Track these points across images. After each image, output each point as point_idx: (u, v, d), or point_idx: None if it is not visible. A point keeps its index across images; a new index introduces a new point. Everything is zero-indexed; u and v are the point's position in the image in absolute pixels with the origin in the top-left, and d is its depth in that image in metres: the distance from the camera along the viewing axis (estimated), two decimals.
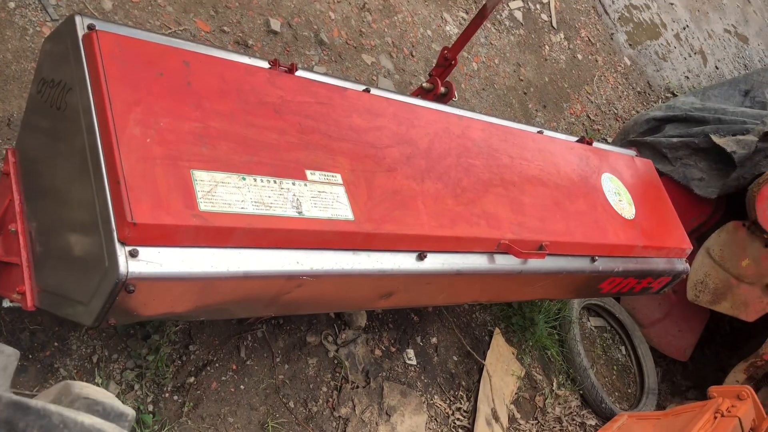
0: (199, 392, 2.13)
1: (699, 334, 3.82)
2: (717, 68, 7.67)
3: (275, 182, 1.52)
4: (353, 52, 3.42)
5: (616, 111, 5.54)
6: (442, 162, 1.99)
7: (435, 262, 1.83)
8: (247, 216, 1.43)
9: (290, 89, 1.71)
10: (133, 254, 1.27)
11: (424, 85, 2.37)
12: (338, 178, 1.66)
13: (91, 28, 1.45)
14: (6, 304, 1.72)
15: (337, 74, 2.16)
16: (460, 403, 2.89)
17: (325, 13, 3.37)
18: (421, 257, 1.79)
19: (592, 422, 3.34)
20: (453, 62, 2.68)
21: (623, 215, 2.60)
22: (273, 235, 1.48)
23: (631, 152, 3.13)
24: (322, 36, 3.27)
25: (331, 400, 2.45)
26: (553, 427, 3.20)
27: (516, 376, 3.18)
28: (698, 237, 3.64)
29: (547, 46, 5.21)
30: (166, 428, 2.00)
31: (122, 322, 1.52)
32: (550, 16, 5.41)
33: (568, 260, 2.29)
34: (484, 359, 3.05)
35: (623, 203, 2.66)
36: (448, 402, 2.84)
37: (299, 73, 1.79)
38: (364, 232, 1.64)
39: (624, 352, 3.95)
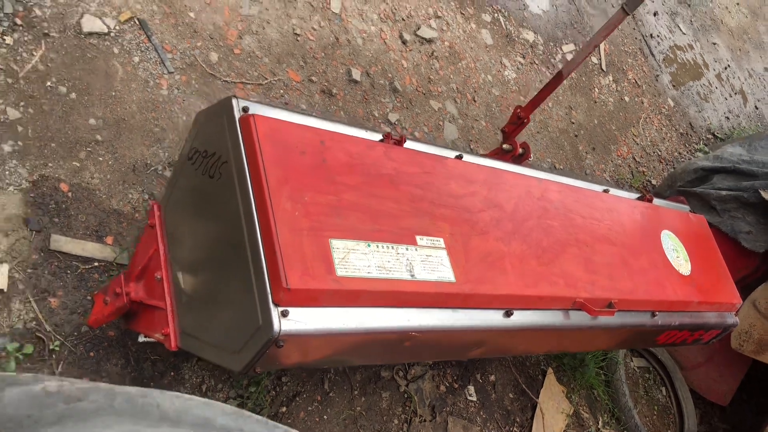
0: (290, 421, 2.34)
1: (740, 380, 3.96)
2: (757, 108, 7.79)
3: (392, 248, 1.73)
4: (422, 99, 3.63)
5: (660, 153, 5.69)
6: (525, 224, 2.18)
7: (519, 318, 2.02)
8: (371, 280, 1.63)
9: (401, 161, 1.92)
10: (285, 314, 1.48)
11: (504, 146, 2.57)
12: (441, 242, 1.87)
13: (245, 110, 1.67)
14: (141, 339, 1.94)
15: (432, 142, 2.37)
16: None
17: (399, 61, 3.60)
18: (508, 314, 1.99)
19: None
20: (525, 121, 2.88)
21: (680, 271, 2.78)
22: (391, 296, 1.68)
23: (685, 207, 3.30)
24: (396, 84, 3.49)
25: (401, 431, 2.65)
26: None
27: (565, 413, 3.35)
28: (744, 287, 3.78)
29: (596, 89, 5.39)
30: None
31: (265, 370, 1.73)
32: (600, 59, 5.60)
33: (632, 316, 2.47)
34: (538, 397, 3.22)
35: (680, 260, 2.83)
36: None
37: (407, 144, 2.00)
38: (464, 293, 1.84)
39: (665, 393, 4.10)
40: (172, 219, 1.88)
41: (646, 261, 2.62)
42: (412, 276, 1.73)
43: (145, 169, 2.36)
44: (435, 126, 3.63)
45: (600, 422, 3.52)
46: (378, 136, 1.96)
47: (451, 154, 2.18)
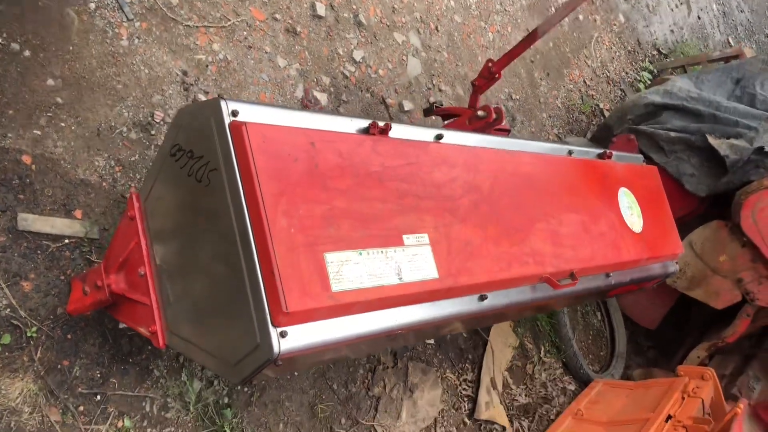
0: (263, 382, 2.41)
1: (668, 308, 4.26)
2: (699, 18, 7.89)
3: (382, 252, 1.75)
4: (386, 32, 3.52)
5: (608, 74, 5.75)
6: (499, 203, 2.23)
7: (492, 300, 2.11)
8: (363, 290, 1.66)
9: (388, 154, 1.90)
10: (283, 335, 1.50)
11: (479, 113, 2.56)
12: (426, 238, 1.89)
13: (234, 114, 1.60)
14: (122, 325, 1.94)
15: (414, 123, 2.33)
16: (467, 375, 3.26)
17: None
18: (482, 299, 2.07)
19: (572, 387, 3.79)
20: (497, 76, 2.86)
21: (633, 229, 2.91)
22: (381, 301, 1.72)
23: (639, 158, 3.40)
24: (360, 16, 3.35)
25: (366, 381, 2.78)
26: (539, 391, 3.63)
27: (512, 347, 3.57)
28: (681, 226, 4.00)
29: (553, 8, 5.31)
30: (238, 417, 2.29)
31: (260, 380, 1.76)
32: None
33: (590, 280, 2.60)
34: (488, 335, 3.41)
35: (634, 216, 2.96)
36: (456, 374, 3.21)
37: (391, 132, 1.97)
38: (445, 287, 1.90)
39: (599, 318, 4.39)
40: (154, 214, 1.82)
41: (604, 224, 2.73)
42: (400, 279, 1.77)
43: (110, 132, 2.25)
44: (399, 61, 3.54)
45: (542, 351, 3.76)
46: (364, 123, 1.92)
47: (431, 134, 2.16)
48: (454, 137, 2.22)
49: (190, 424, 2.18)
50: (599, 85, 5.56)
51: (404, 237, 1.83)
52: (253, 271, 1.51)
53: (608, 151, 3.03)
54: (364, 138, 1.87)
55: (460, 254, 1.98)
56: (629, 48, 6.33)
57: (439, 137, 2.16)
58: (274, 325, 1.50)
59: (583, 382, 3.86)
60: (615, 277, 2.75)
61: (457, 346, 3.27)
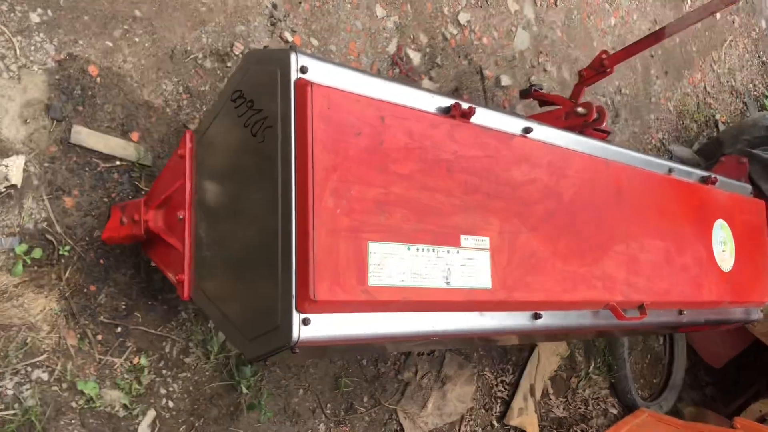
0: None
1: (739, 351, 3.94)
2: None
3: (433, 251, 1.58)
4: None
5: (733, 84, 5.28)
6: (579, 216, 2.00)
7: (547, 321, 1.91)
8: (404, 289, 1.50)
9: (464, 143, 1.70)
10: (306, 322, 1.37)
11: (579, 110, 2.30)
12: (486, 242, 1.71)
13: (304, 70, 1.44)
14: (153, 264, 1.85)
15: (502, 110, 2.11)
16: (506, 377, 3.09)
17: None
18: (536, 317, 1.87)
19: (615, 411, 3.57)
20: (609, 70, 2.58)
21: (722, 267, 2.63)
22: (420, 304, 1.56)
23: (747, 188, 3.07)
24: None
25: (398, 363, 2.65)
26: (579, 407, 3.43)
27: (560, 356, 3.36)
28: None
29: (689, 1, 4.87)
30: (258, 375, 2.20)
31: (276, 363, 1.65)
32: None
33: (659, 315, 2.36)
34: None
35: (726, 254, 2.67)
36: (495, 374, 3.05)
37: (475, 117, 1.76)
38: (496, 300, 1.71)
39: (661, 342, 4.11)
40: (204, 158, 1.70)
41: (690, 257, 2.46)
42: (447, 283, 1.60)
43: (184, 57, 2.13)
44: (506, 31, 3.28)
45: (591, 366, 3.54)
46: (447, 102, 1.72)
47: (519, 125, 1.94)
48: (544, 133, 1.99)
49: (207, 373, 2.10)
50: (721, 94, 5.11)
51: (462, 237, 1.65)
52: (288, 249, 1.37)
53: (713, 176, 2.72)
54: (442, 120, 1.67)
55: (522, 266, 1.79)
56: (765, 58, 5.79)
57: (527, 130, 1.94)
58: (298, 310, 1.36)
59: (628, 408, 3.63)
60: (688, 316, 2.49)
61: (503, 345, 3.09)
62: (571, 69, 3.62)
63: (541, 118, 2.47)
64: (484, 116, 1.82)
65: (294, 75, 1.43)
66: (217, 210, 1.63)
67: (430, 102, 1.71)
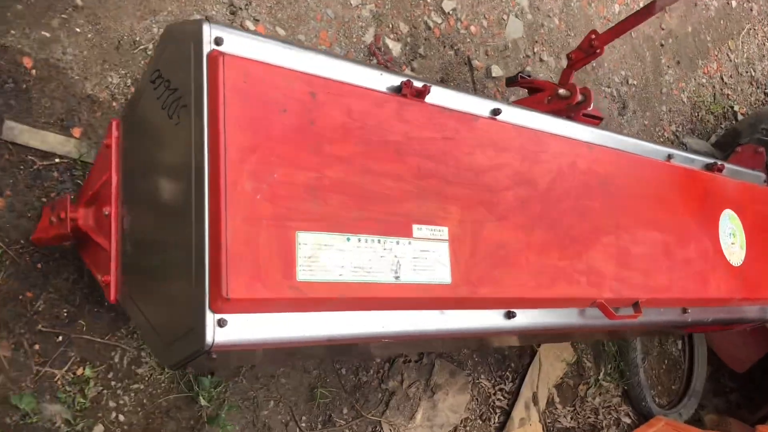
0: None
1: (762, 354, 3.68)
2: None
3: (379, 242, 1.41)
4: None
5: (753, 73, 5.01)
6: (558, 206, 1.82)
7: (523, 320, 1.73)
8: (342, 284, 1.34)
9: (417, 123, 1.54)
10: (221, 324, 1.21)
11: (561, 91, 2.12)
12: (444, 232, 1.53)
13: (218, 42, 1.29)
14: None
15: (465, 90, 1.94)
16: (504, 384, 2.89)
17: None
18: (509, 316, 1.69)
19: (628, 420, 3.34)
20: (599, 51, 2.40)
21: (731, 261, 2.41)
22: (365, 302, 1.39)
23: (761, 176, 2.84)
24: None
25: (381, 372, 2.47)
26: (588, 417, 3.21)
27: (566, 362, 3.15)
28: None
29: None
30: (221, 387, 2.05)
31: (199, 372, 1.50)
32: None
33: (659, 313, 2.16)
34: (539, 345, 3.01)
35: (735, 246, 2.45)
36: (493, 382, 2.85)
37: (431, 95, 1.60)
38: (457, 297, 1.54)
39: (680, 347, 3.86)
40: (129, 148, 1.56)
41: (694, 249, 2.26)
42: (397, 278, 1.43)
43: (132, 48, 2.00)
44: (497, 20, 3.11)
45: (602, 373, 3.32)
46: (397, 80, 1.56)
47: (487, 107, 1.77)
48: (515, 115, 1.82)
49: (163, 385, 1.96)
50: (739, 85, 4.85)
51: (415, 227, 1.48)
52: (201, 241, 1.22)
53: (719, 162, 2.51)
54: (389, 98, 1.51)
55: (488, 259, 1.61)
56: None
57: (496, 112, 1.77)
58: (212, 310, 1.20)
59: (643, 416, 3.39)
60: (694, 314, 2.28)
61: (500, 351, 2.90)
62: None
63: (522, 104, 2.30)
64: (443, 96, 1.66)
65: (207, 47, 1.28)
66: (141, 204, 1.49)
67: (379, 80, 1.55)
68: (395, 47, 2.66)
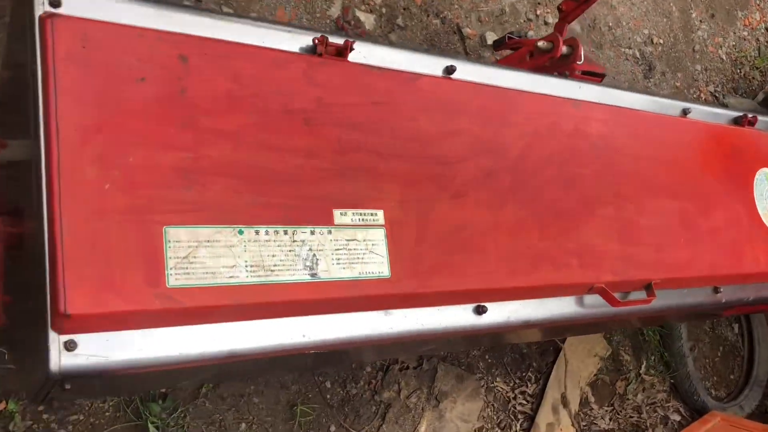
0: None
1: None
2: None
3: (285, 233, 1.15)
4: None
5: None
6: (537, 176, 1.52)
7: (498, 315, 1.44)
8: (235, 288, 1.08)
9: (334, 86, 1.27)
10: (70, 347, 0.97)
11: (540, 44, 1.81)
12: (379, 216, 1.26)
13: (55, 4, 1.05)
14: None
15: (406, 46, 1.67)
16: (526, 386, 2.57)
17: None
18: (479, 311, 1.40)
19: (677, 417, 2.96)
20: None
21: None
22: (272, 308, 1.13)
23: None
24: None
25: (374, 382, 2.20)
26: (630, 416, 2.85)
27: (599, 356, 2.81)
28: None
29: None
30: (178, 411, 1.82)
31: (66, 403, 1.27)
32: None
33: (682, 295, 1.82)
34: (564, 341, 2.67)
35: None
36: (511, 385, 2.54)
37: (355, 54, 1.33)
38: (402, 293, 1.26)
39: (737, 330, 3.44)
40: None
41: (722, 217, 1.91)
42: (313, 275, 1.16)
43: None
44: None
45: (643, 366, 2.96)
46: (306, 39, 1.30)
47: (439, 65, 1.48)
48: (475, 72, 1.53)
49: (107, 414, 1.74)
50: None
51: (336, 213, 1.21)
52: (41, 246, 0.98)
53: (751, 115, 2.14)
54: (293, 57, 1.25)
55: (444, 243, 1.33)
56: None
57: (449, 70, 1.48)
58: (56, 331, 0.97)
59: (697, 412, 3.01)
60: (728, 293, 1.93)
61: (518, 349, 2.58)
62: (580, 20, 3.09)
63: (504, 65, 2.00)
64: (374, 53, 1.38)
65: (39, 9, 1.05)
66: (12, 206, 1.26)
67: (290, 41, 1.29)
68: (368, 19, 2.39)
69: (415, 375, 2.28)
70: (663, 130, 1.85)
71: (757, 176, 2.07)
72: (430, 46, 2.55)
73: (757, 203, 2.03)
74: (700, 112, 2.03)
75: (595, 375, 2.80)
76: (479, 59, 1.82)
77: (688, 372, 2.99)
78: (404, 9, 2.50)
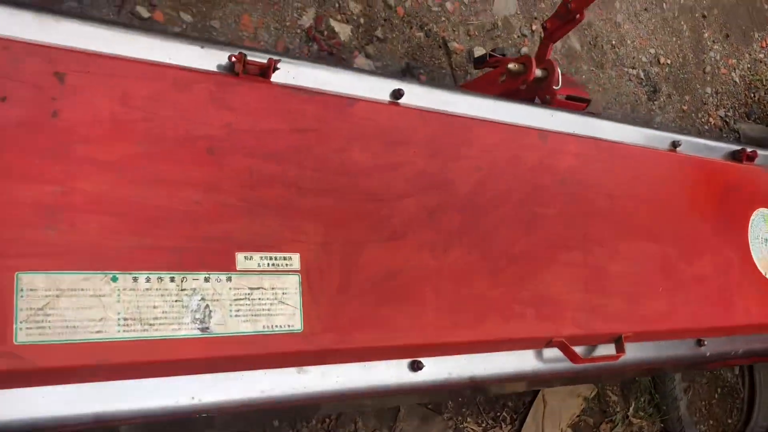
0: None
1: None
2: None
3: (172, 280, 0.99)
4: None
5: None
6: (490, 216, 1.35)
7: (436, 370, 1.27)
8: (102, 345, 0.93)
9: (250, 111, 1.11)
10: None
11: (511, 66, 1.64)
12: (294, 261, 1.10)
13: None
14: None
15: (350, 67, 1.52)
16: (500, 428, 2.40)
17: None
18: (414, 367, 1.24)
19: None
20: (578, 17, 1.90)
21: (766, 275, 1.86)
22: (151, 367, 0.98)
23: None
24: None
25: (328, 422, 2.04)
26: None
27: (582, 396, 2.63)
28: None
29: None
30: None
31: None
32: None
33: (659, 348, 1.64)
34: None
35: None
36: (484, 426, 2.37)
37: (280, 75, 1.17)
38: (318, 349, 1.10)
39: (737, 371, 3.24)
40: None
41: (710, 262, 1.73)
42: (204, 329, 1.01)
43: None
44: None
45: (631, 408, 2.77)
46: (221, 57, 1.14)
47: (386, 88, 1.32)
48: (425, 96, 1.36)
49: None
50: None
51: (239, 257, 1.06)
52: None
53: (750, 149, 1.96)
54: (201, 77, 1.09)
55: (371, 293, 1.17)
56: None
57: (397, 94, 1.33)
58: None
59: None
60: (714, 346, 1.74)
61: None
62: (581, 35, 2.91)
63: (471, 87, 1.84)
64: (304, 74, 1.23)
65: None
66: None
67: (205, 58, 1.14)
68: (343, 30, 2.24)
69: (375, 414, 2.12)
70: (646, 165, 1.67)
71: (753, 217, 1.89)
72: (412, 60, 2.39)
73: (751, 247, 1.85)
74: (693, 145, 1.85)
75: (577, 416, 2.62)
76: (431, 83, 1.66)
77: (679, 416, 2.80)
78: (385, 20, 2.35)
